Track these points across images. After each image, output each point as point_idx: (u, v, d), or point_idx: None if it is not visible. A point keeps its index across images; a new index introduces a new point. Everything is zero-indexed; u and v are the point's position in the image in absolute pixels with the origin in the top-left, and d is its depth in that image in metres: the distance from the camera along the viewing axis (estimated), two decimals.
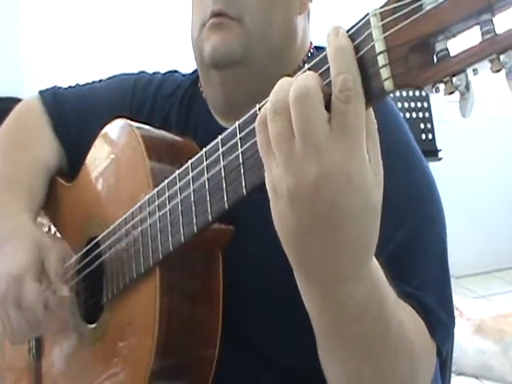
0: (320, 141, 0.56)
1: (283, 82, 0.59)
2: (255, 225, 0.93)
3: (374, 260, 0.67)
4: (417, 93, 3.11)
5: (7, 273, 0.98)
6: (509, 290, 3.89)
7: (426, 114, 3.14)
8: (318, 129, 0.56)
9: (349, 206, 0.58)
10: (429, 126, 3.12)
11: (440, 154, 3.10)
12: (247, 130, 0.66)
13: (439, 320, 0.85)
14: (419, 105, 3.13)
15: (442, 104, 3.38)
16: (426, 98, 3.15)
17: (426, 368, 0.82)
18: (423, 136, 3.09)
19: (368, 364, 0.73)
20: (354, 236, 0.60)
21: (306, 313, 0.93)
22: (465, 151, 3.93)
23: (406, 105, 3.10)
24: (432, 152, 3.03)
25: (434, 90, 0.51)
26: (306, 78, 0.57)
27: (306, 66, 0.61)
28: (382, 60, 0.52)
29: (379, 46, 0.52)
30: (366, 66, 0.54)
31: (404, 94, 3.10)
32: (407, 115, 3.08)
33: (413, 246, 0.88)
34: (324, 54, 0.58)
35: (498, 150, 4.20)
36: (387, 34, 0.52)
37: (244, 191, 0.67)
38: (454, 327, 0.89)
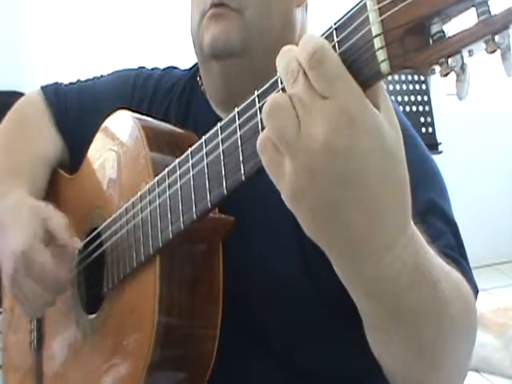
0: (312, 109, 0.55)
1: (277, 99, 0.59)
2: (261, 219, 0.94)
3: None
4: (417, 86, 3.12)
5: (12, 251, 0.99)
6: (510, 283, 3.89)
7: (426, 108, 3.14)
8: (308, 99, 0.55)
9: (364, 152, 0.55)
10: (429, 119, 3.13)
11: (440, 148, 3.11)
12: (246, 115, 0.67)
13: (471, 277, 0.84)
14: (419, 98, 3.13)
15: (442, 98, 3.39)
16: (426, 92, 3.16)
17: (475, 322, 0.80)
18: (423, 129, 3.10)
19: (430, 328, 0.71)
20: (380, 185, 0.57)
21: (312, 305, 0.93)
22: (465, 145, 3.93)
23: (406, 98, 3.11)
24: (432, 145, 3.04)
25: (429, 71, 0.51)
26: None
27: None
28: (378, 43, 0.53)
29: (375, 29, 0.53)
30: (362, 49, 0.55)
31: (404, 87, 3.10)
32: (407, 109, 3.09)
33: (432, 212, 0.88)
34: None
35: (498, 144, 4.19)
36: (383, 16, 0.52)
37: (243, 177, 0.67)
38: (477, 295, 0.87)
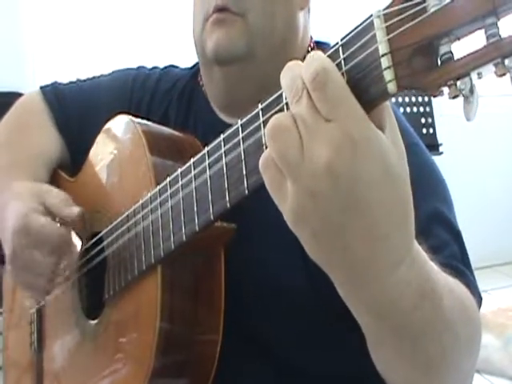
0: (317, 129, 0.54)
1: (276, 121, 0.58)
2: (260, 224, 0.93)
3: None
4: None
5: (12, 230, 0.98)
6: (510, 284, 3.89)
7: (427, 109, 3.14)
8: (312, 119, 0.55)
9: (367, 175, 0.55)
10: (430, 120, 3.12)
11: (441, 149, 3.10)
12: (250, 129, 0.66)
13: (475, 286, 0.83)
14: (420, 99, 3.13)
15: (442, 98, 3.37)
16: None
17: (479, 334, 0.80)
18: (424, 130, 3.09)
19: (434, 346, 0.70)
20: (383, 209, 0.57)
21: (310, 310, 0.93)
22: (466, 145, 3.93)
23: (407, 99, 3.10)
24: (433, 146, 3.03)
25: (438, 92, 0.50)
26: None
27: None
28: (385, 62, 0.52)
29: (383, 48, 0.52)
30: (369, 68, 0.54)
31: None
32: (408, 109, 3.08)
33: (437, 221, 0.88)
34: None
35: (499, 145, 4.20)
36: (391, 35, 0.52)
37: (246, 190, 0.67)
38: (481, 302, 0.86)
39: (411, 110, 3.10)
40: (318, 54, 0.56)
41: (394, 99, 3.00)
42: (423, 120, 3.11)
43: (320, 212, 0.56)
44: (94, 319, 1.04)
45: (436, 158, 0.98)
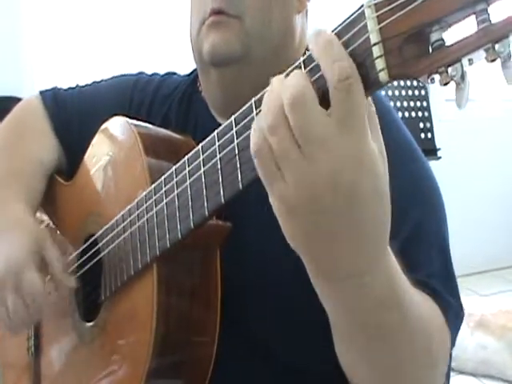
0: (325, 137, 0.55)
1: (272, 91, 0.59)
2: (255, 222, 0.93)
3: (389, 249, 0.66)
4: (416, 92, 3.12)
5: (5, 259, 0.99)
6: (509, 288, 3.88)
7: (426, 114, 3.14)
8: (319, 127, 0.55)
9: (363, 193, 0.57)
10: (428, 125, 3.13)
11: (439, 153, 3.11)
12: (243, 123, 0.66)
13: (451, 306, 0.85)
14: (418, 104, 3.13)
15: (441, 103, 3.39)
16: (426, 98, 3.16)
17: (444, 354, 0.82)
18: (422, 135, 3.10)
19: (389, 354, 0.73)
20: (370, 224, 0.60)
21: (307, 308, 0.93)
22: (464, 150, 3.92)
23: (406, 104, 3.11)
24: (431, 151, 3.04)
25: (429, 80, 0.50)
26: (295, 81, 0.57)
27: (291, 67, 0.62)
28: (376, 51, 0.52)
29: (374, 37, 0.52)
30: (360, 57, 0.54)
31: (403, 93, 3.10)
32: (406, 114, 3.09)
33: (419, 238, 0.88)
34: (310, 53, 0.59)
35: (497, 150, 4.19)
36: (382, 25, 0.52)
37: (240, 185, 0.67)
38: (463, 315, 0.89)
39: (409, 114, 3.10)
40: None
41: (392, 103, 3.01)
42: (421, 125, 3.11)
43: (313, 215, 0.58)
44: (90, 321, 1.03)
45: (434, 163, 0.98)
